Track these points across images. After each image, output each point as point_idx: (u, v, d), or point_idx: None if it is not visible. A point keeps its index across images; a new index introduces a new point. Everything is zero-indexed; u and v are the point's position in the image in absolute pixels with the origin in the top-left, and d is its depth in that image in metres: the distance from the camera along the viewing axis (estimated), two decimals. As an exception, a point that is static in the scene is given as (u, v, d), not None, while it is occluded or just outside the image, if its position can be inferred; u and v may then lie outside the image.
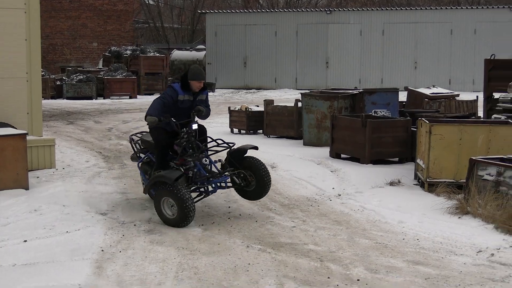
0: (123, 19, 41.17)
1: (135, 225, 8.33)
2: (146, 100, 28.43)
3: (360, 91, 15.20)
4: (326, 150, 13.49)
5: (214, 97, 31.03)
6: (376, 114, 14.18)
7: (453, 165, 9.92)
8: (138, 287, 6.17)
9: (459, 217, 8.52)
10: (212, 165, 8.69)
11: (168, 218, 8.20)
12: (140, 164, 9.39)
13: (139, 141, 9.59)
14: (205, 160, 8.59)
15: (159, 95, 9.11)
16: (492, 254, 7.13)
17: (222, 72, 36.60)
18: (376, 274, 6.49)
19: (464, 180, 9.18)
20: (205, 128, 9.00)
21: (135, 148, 9.66)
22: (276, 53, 35.81)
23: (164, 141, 8.72)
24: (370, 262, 6.87)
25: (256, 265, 6.76)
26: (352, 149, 12.61)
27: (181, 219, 8.05)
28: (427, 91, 18.28)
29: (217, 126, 18.59)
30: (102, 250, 7.25)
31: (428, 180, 10.03)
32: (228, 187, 8.85)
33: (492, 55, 18.36)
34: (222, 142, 8.94)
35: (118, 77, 29.74)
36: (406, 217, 8.65)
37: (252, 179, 8.78)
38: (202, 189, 8.74)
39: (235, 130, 17.49)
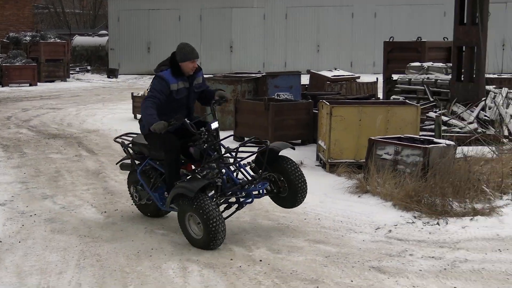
0: (22, 4, 39.90)
1: (35, 214, 8.16)
2: (47, 88, 27.75)
3: (263, 74, 15.30)
4: (230, 134, 13.48)
5: (117, 83, 30.62)
6: (278, 97, 14.32)
7: (353, 146, 10.14)
8: (38, 276, 6.06)
9: (359, 196, 8.73)
10: (242, 169, 7.24)
11: (194, 238, 6.79)
12: (139, 173, 7.64)
13: (130, 145, 8.01)
14: (237, 165, 7.20)
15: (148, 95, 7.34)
16: (390, 231, 7.36)
17: (126, 58, 36.12)
18: (278, 254, 6.59)
19: (364, 160, 9.40)
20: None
21: (129, 154, 7.96)
22: (180, 38, 35.34)
23: (177, 147, 7.16)
24: (272, 242, 6.97)
25: (159, 250, 6.75)
26: (256, 132, 12.65)
27: (209, 239, 6.61)
28: (328, 74, 18.57)
29: (120, 113, 18.38)
30: (0, 242, 7.07)
31: (329, 161, 10.22)
32: (264, 194, 7.35)
33: (390, 37, 18.86)
34: (257, 139, 7.56)
35: (17, 64, 28.85)
36: (308, 197, 8.71)
37: (282, 184, 7.37)
38: (232, 200, 7.26)
39: (139, 116, 17.26)
